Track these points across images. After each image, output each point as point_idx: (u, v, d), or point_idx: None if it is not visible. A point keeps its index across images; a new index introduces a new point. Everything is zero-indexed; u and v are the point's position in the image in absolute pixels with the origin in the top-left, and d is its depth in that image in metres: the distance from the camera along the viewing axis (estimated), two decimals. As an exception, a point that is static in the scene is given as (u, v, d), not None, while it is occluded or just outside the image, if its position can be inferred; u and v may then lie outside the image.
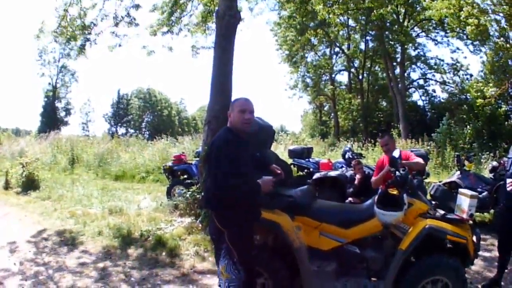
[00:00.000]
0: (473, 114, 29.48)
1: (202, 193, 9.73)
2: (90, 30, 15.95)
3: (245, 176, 4.61)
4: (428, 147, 22.61)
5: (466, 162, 12.18)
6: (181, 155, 14.81)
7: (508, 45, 29.28)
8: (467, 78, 38.61)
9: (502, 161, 11.73)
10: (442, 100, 41.58)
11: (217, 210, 4.83)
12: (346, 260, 5.83)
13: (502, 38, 29.56)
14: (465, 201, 5.66)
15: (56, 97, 68.40)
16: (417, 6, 34.08)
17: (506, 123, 30.70)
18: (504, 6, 24.76)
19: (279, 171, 5.49)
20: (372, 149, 23.74)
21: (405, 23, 35.36)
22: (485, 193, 10.61)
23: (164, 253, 8.48)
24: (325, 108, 50.13)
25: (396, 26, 34.45)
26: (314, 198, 6.19)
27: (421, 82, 43.58)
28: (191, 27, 17.66)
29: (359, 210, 6.09)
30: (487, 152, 21.56)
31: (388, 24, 35.09)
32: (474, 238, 5.77)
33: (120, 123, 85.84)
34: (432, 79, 42.92)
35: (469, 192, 5.71)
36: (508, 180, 6.75)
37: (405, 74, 39.89)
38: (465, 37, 34.19)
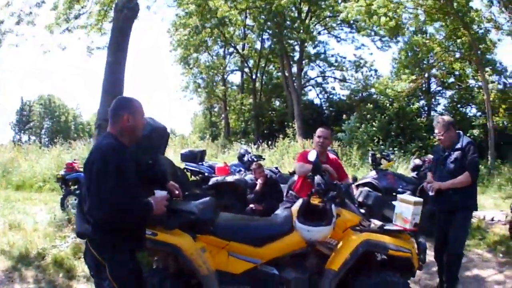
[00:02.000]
0: (378, 111, 29.40)
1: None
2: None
3: (133, 192, 3.81)
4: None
5: (383, 161, 11.55)
6: (72, 162, 13.46)
7: (425, 41, 29.65)
8: (371, 75, 38.87)
9: (426, 159, 11.29)
10: (342, 98, 41.42)
11: (95, 235, 3.81)
12: (263, 284, 4.95)
13: (419, 34, 30.00)
14: (407, 208, 4.96)
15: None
16: (322, 3, 33.94)
17: (417, 120, 30.96)
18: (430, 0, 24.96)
19: (177, 192, 4.52)
20: (269, 150, 22.94)
21: (307, 21, 34.82)
22: (407, 193, 9.96)
23: (61, 275, 7.55)
24: (215, 109, 49.56)
25: (297, 24, 33.78)
26: (217, 211, 5.17)
27: (319, 80, 43.30)
28: (88, 25, 17.18)
29: (274, 224, 5.16)
30: (397, 150, 21.56)
31: (288, 22, 34.51)
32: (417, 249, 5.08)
33: (23, 130, 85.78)
34: (331, 77, 42.71)
35: (412, 198, 5.05)
36: (435, 184, 6.37)
37: (302, 72, 39.67)
38: (373, 33, 34.58)
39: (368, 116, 28.86)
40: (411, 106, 31.31)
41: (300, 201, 5.20)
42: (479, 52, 26.30)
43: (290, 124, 30.55)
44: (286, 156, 21.49)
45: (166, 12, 68.58)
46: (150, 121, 4.93)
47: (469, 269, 7.94)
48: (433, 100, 36.51)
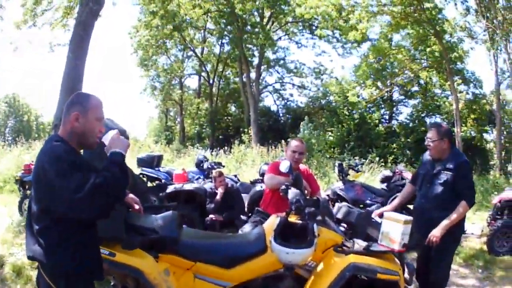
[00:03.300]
0: (336, 119, 29.28)
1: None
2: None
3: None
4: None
5: (351, 172, 11.09)
6: (30, 164, 12.78)
7: (391, 49, 29.71)
8: (330, 82, 38.46)
9: (396, 170, 10.96)
10: (299, 105, 41.41)
11: (47, 259, 3.11)
12: (233, 310, 4.39)
13: (384, 41, 30.05)
14: (395, 228, 4.46)
15: None
16: (285, 7, 33.66)
17: (376, 128, 30.91)
18: (398, 7, 25.09)
19: (137, 206, 4.00)
20: (226, 157, 22.46)
21: (268, 26, 34.80)
22: (375, 206, 9.59)
23: (18, 286, 7.02)
24: (171, 113, 49.19)
25: (257, 29, 33.71)
26: (181, 227, 4.54)
27: (277, 86, 43.35)
28: (54, 20, 17.61)
29: (245, 243, 4.59)
30: (356, 158, 20.94)
31: (249, 27, 34.33)
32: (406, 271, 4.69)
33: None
34: (290, 83, 42.78)
35: (402, 217, 4.52)
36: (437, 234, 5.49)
37: (260, 78, 39.44)
38: (335, 40, 34.72)
39: (326, 124, 28.75)
40: (372, 114, 31.31)
41: (274, 219, 4.63)
42: (449, 61, 26.43)
43: (246, 130, 30.22)
44: (243, 164, 21.10)
45: (130, 10, 68.84)
46: (109, 122, 4.14)
47: (448, 286, 7.56)
48: (394, 109, 36.68)
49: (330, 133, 27.66)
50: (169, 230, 4.15)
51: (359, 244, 4.57)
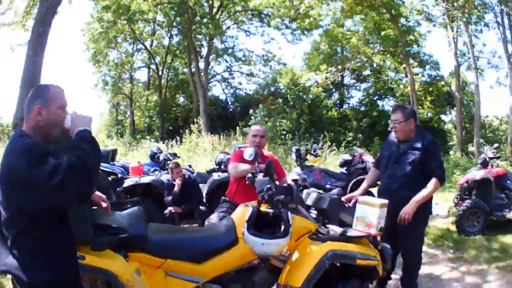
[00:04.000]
0: (287, 105, 29.25)
1: None
2: None
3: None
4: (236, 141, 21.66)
5: (310, 157, 11.02)
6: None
7: (342, 35, 29.79)
8: (280, 69, 38.24)
9: (356, 154, 10.87)
10: (248, 93, 41.32)
11: (24, 273, 2.88)
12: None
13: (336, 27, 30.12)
14: (371, 212, 4.44)
15: None
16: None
17: (330, 113, 30.96)
18: None
19: (104, 204, 3.76)
20: (178, 147, 22.33)
21: (217, 16, 34.59)
22: (336, 190, 9.49)
23: None
24: (121, 107, 48.72)
25: (206, 19, 33.66)
26: (148, 223, 4.29)
27: (226, 75, 43.18)
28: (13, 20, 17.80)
29: (215, 236, 4.37)
30: (310, 143, 20.87)
31: (198, 17, 34.18)
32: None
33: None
34: (238, 71, 42.63)
35: (377, 201, 4.54)
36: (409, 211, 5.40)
37: (209, 68, 39.29)
38: (284, 26, 34.68)
39: (277, 110, 28.72)
40: (323, 99, 31.40)
41: (244, 208, 4.46)
42: (405, 44, 26.77)
43: (195, 120, 30.14)
44: (195, 153, 21.00)
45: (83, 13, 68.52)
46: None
47: (421, 267, 7.53)
48: (346, 93, 36.88)
49: (281, 120, 27.58)
50: (137, 227, 3.94)
51: (335, 230, 4.50)
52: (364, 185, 6.07)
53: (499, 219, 9.78)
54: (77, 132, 3.03)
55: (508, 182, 10.02)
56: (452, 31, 25.67)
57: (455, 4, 24.40)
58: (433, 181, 5.46)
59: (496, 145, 11.59)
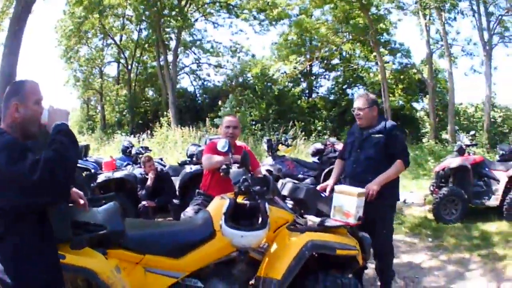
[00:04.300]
0: (255, 95, 29.25)
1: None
2: None
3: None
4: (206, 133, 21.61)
5: (281, 147, 11.03)
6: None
7: (311, 25, 29.76)
8: (249, 60, 38.57)
9: (328, 143, 10.81)
10: (217, 85, 41.44)
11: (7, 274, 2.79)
12: (188, 300, 4.14)
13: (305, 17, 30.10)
14: (349, 201, 4.41)
15: None
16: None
17: (299, 102, 30.99)
18: None
19: (82, 201, 3.65)
20: (149, 140, 22.30)
21: (185, 9, 34.51)
22: (309, 180, 9.54)
23: None
24: (92, 103, 48.35)
25: (175, 12, 33.47)
26: (124, 218, 4.19)
27: (194, 67, 43.18)
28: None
29: (192, 229, 4.32)
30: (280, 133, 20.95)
31: (166, 10, 33.97)
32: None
33: None
34: (206, 63, 42.52)
35: (355, 190, 4.50)
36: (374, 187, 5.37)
37: (177, 60, 39.26)
38: (252, 18, 34.52)
39: (245, 101, 28.70)
40: (292, 89, 31.43)
41: (220, 201, 4.42)
42: (375, 33, 26.90)
43: (165, 113, 30.04)
44: (166, 146, 21.00)
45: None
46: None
47: (398, 257, 7.45)
48: (315, 82, 36.92)
49: (251, 110, 27.57)
50: (114, 223, 3.85)
51: (312, 220, 4.48)
52: (333, 176, 6.09)
53: (478, 206, 9.88)
54: (54, 126, 2.98)
55: (486, 169, 10.12)
56: (425, 18, 25.84)
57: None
58: (397, 162, 5.53)
59: (472, 132, 11.68)
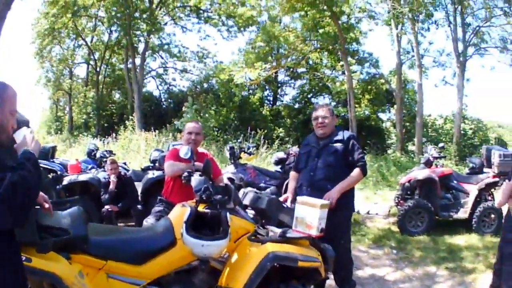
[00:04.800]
0: (218, 102, 29.23)
1: None
2: None
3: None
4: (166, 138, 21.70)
5: (243, 155, 11.05)
6: None
7: (279, 33, 29.76)
8: (215, 66, 38.35)
9: (291, 152, 10.89)
10: (182, 89, 41.50)
11: None
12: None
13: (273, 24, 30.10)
14: (312, 212, 4.44)
15: None
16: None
17: (261, 109, 30.98)
18: None
19: (47, 205, 3.58)
20: (113, 144, 22.22)
21: (156, 12, 34.44)
22: (271, 189, 9.56)
23: None
24: (61, 103, 47.86)
25: (145, 15, 33.47)
26: (88, 224, 4.14)
27: (160, 71, 43.18)
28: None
29: (153, 237, 4.34)
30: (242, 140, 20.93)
31: (137, 13, 33.82)
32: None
33: None
34: (173, 68, 42.57)
35: (317, 201, 4.53)
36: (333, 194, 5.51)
37: (144, 64, 39.10)
38: (220, 23, 34.70)
39: (208, 107, 28.72)
40: (254, 96, 31.42)
41: (181, 209, 4.41)
42: (344, 42, 26.96)
43: (130, 117, 29.95)
44: (130, 150, 20.96)
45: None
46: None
47: (361, 269, 7.53)
48: (279, 90, 36.93)
49: (213, 116, 27.56)
50: (78, 228, 3.85)
51: (274, 231, 4.50)
52: (290, 189, 6.17)
53: (446, 219, 9.99)
54: (25, 151, 2.91)
55: (455, 182, 10.25)
56: (397, 28, 25.93)
57: (402, 1, 24.68)
58: (356, 171, 5.69)
59: (441, 144, 11.79)
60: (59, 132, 37.88)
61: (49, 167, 11.72)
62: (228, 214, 4.19)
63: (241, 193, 5.03)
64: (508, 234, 5.26)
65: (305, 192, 5.64)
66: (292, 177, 6.37)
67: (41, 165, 10.01)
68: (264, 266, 4.07)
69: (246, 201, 4.87)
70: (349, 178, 5.65)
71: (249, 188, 5.24)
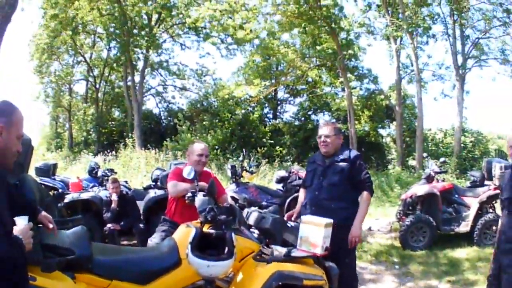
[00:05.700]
0: (219, 120, 29.15)
1: None
2: None
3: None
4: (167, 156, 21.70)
5: (245, 174, 11.02)
6: None
7: (277, 49, 29.73)
8: (214, 84, 38.57)
9: (292, 170, 10.87)
10: (181, 108, 40.86)
11: None
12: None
13: (272, 40, 30.05)
14: (316, 231, 4.46)
15: None
16: (174, 10, 33.44)
17: (261, 127, 30.92)
18: (291, 6, 25.28)
19: (51, 225, 3.59)
20: (114, 162, 22.22)
21: (155, 29, 34.20)
22: (273, 207, 9.54)
23: None
24: (61, 120, 47.79)
25: (144, 32, 33.26)
26: (91, 243, 4.13)
27: (160, 89, 43.03)
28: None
29: (159, 256, 4.30)
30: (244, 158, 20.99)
31: (136, 30, 33.78)
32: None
33: None
34: (172, 85, 42.38)
35: (322, 220, 4.53)
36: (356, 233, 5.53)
37: (144, 81, 38.84)
38: (219, 41, 34.60)
39: (208, 126, 28.64)
40: (254, 114, 31.32)
41: (186, 229, 4.42)
42: (343, 59, 26.79)
43: (130, 134, 29.99)
44: (131, 168, 20.94)
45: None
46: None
47: (364, 284, 7.50)
48: (279, 107, 36.84)
49: (213, 134, 27.45)
50: (82, 248, 3.84)
51: (278, 250, 4.48)
52: (299, 204, 6.15)
53: (448, 233, 10.00)
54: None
55: (456, 196, 10.28)
56: (395, 43, 25.96)
57: (401, 16, 24.77)
58: (364, 195, 5.64)
59: (442, 159, 11.79)
60: (59, 149, 37.78)
61: (50, 185, 11.62)
62: (233, 234, 4.17)
63: (245, 212, 5.03)
64: (505, 244, 5.22)
65: (308, 211, 5.60)
66: (301, 193, 6.34)
67: (43, 182, 10.04)
68: (269, 285, 4.05)
69: (250, 221, 4.87)
70: (362, 206, 5.64)
71: (252, 208, 5.22)
